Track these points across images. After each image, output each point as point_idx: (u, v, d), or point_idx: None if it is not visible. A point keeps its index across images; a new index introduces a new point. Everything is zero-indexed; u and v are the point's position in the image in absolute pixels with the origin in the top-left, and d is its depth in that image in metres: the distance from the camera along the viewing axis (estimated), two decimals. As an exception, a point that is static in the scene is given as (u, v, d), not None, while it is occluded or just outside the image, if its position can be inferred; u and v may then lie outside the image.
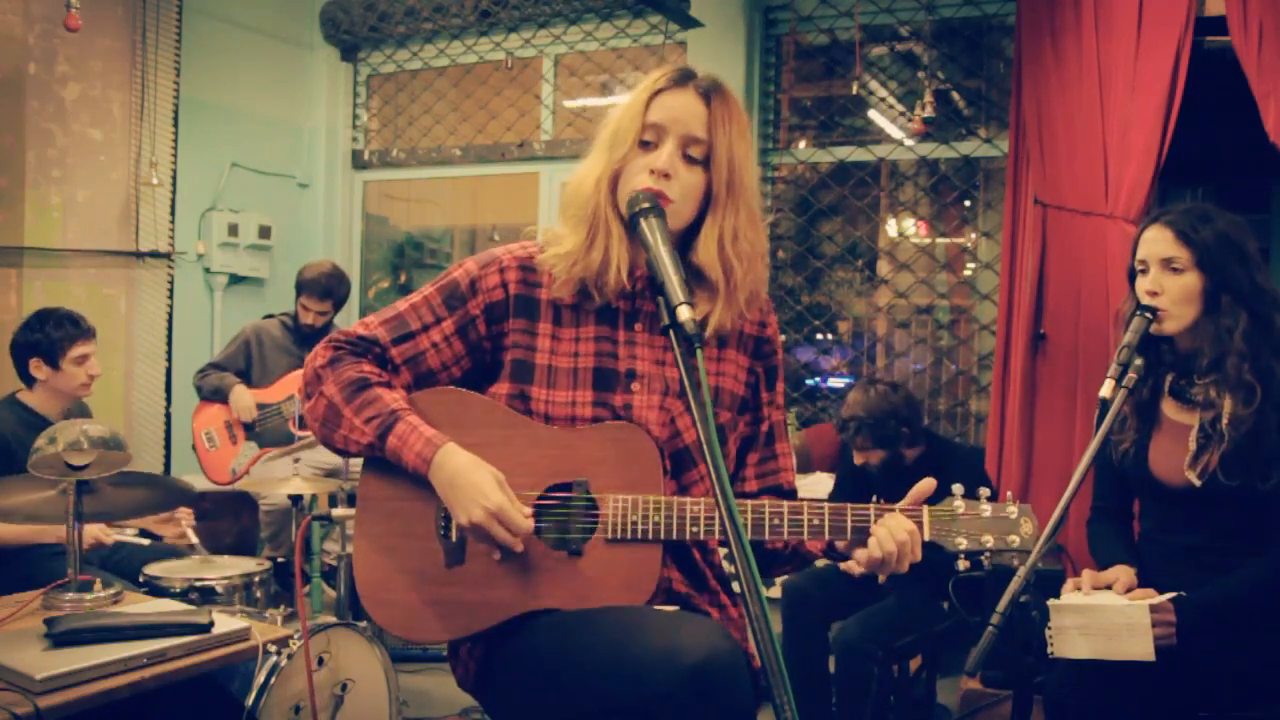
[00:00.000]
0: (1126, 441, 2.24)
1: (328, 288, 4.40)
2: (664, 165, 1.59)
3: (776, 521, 1.58)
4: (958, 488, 1.64)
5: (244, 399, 4.32)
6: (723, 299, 1.63)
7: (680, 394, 1.66)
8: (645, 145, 1.63)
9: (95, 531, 3.04)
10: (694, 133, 1.61)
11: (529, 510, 1.57)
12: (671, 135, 1.61)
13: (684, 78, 1.64)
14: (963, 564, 1.61)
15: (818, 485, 4.01)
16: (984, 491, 1.64)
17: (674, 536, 1.57)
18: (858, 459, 3.27)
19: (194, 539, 3.12)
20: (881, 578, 2.91)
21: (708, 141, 1.62)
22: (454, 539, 1.62)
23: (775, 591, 3.65)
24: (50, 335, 3.18)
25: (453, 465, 1.56)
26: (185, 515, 3.27)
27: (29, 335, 3.20)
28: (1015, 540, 1.61)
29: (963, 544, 1.60)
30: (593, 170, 1.66)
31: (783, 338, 5.01)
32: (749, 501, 1.60)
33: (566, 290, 1.66)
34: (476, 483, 1.54)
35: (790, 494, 1.80)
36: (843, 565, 3.01)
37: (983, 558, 1.62)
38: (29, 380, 3.24)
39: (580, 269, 1.64)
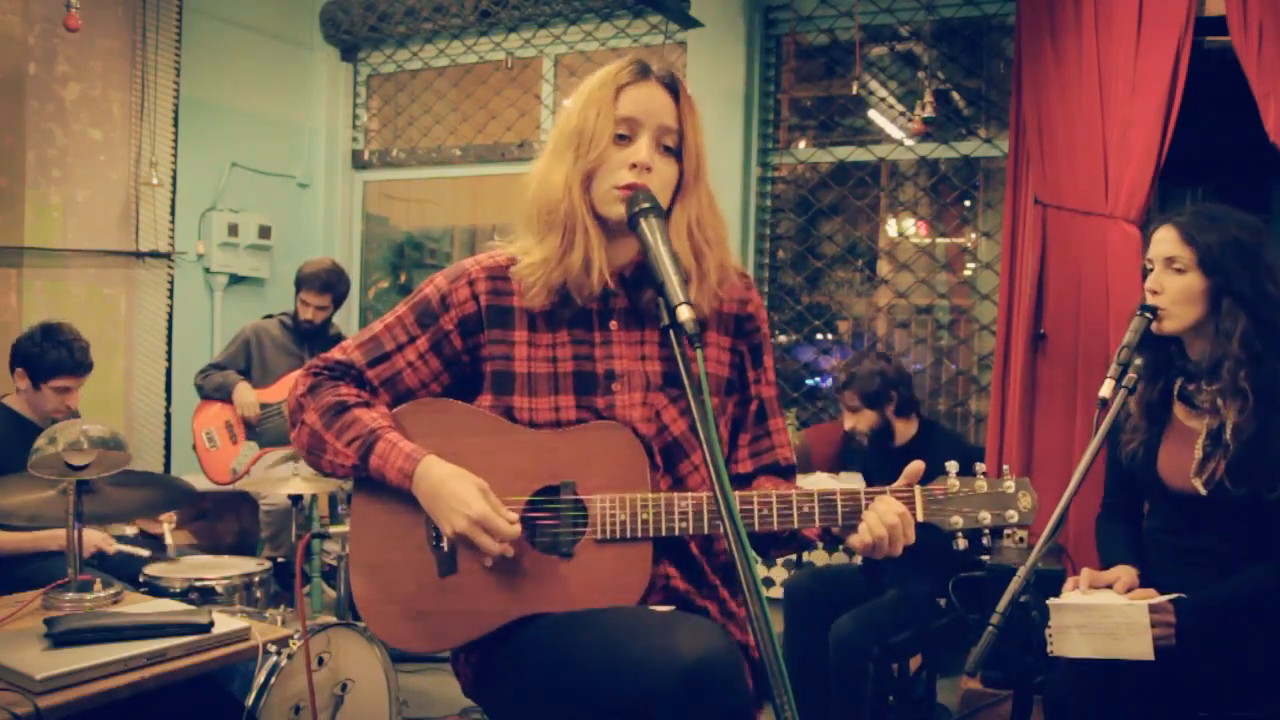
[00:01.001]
0: (1135, 443, 2.23)
1: (327, 282, 4.40)
2: (646, 159, 1.58)
3: (765, 512, 1.56)
4: (952, 465, 1.59)
5: (247, 395, 4.33)
6: (696, 285, 1.61)
7: (661, 387, 1.65)
8: (619, 140, 1.61)
9: (97, 540, 3.03)
10: (667, 123, 1.61)
11: (515, 516, 1.56)
12: (647, 128, 1.60)
13: (645, 70, 1.63)
14: (961, 543, 1.57)
15: (817, 486, 4.01)
16: (979, 467, 1.59)
17: (663, 533, 1.56)
18: (847, 422, 3.35)
19: (170, 540, 3.08)
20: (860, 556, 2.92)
21: (679, 131, 1.62)
22: (445, 549, 1.62)
23: (777, 591, 3.65)
24: (45, 356, 3.13)
25: (434, 477, 1.56)
26: (167, 519, 3.23)
27: (29, 346, 3.16)
28: (1014, 515, 1.56)
29: (959, 522, 1.56)
30: (557, 172, 1.62)
31: (783, 338, 5.03)
32: (738, 492, 1.57)
33: (540, 297, 1.64)
34: (458, 492, 1.53)
35: (787, 470, 1.78)
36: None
37: (982, 536, 1.57)
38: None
39: (559, 274, 1.61)
